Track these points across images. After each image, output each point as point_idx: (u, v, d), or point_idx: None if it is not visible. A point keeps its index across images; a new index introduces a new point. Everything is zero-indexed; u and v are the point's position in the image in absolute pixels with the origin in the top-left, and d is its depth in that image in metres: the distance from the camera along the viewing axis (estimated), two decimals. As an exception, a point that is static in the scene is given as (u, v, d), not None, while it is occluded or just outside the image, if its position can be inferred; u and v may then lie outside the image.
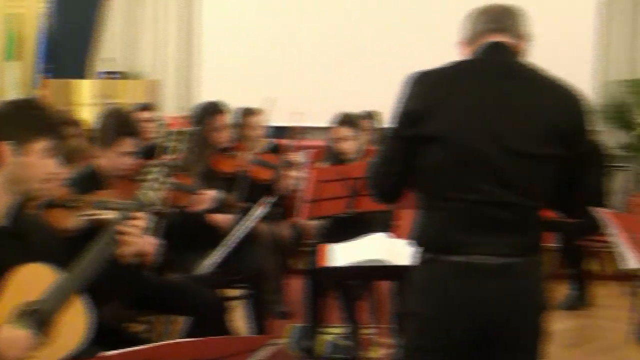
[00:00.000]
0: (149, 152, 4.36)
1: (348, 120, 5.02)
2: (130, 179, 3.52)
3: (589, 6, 8.46)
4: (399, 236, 3.69)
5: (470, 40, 2.58)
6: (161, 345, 2.02)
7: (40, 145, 2.46)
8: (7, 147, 2.43)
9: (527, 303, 2.45)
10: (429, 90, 2.44)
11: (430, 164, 2.42)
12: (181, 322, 4.01)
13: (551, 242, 5.87)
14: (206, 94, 7.77)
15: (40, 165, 2.48)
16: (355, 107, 5.93)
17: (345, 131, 4.97)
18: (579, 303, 5.95)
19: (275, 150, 5.41)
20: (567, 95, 2.47)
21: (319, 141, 6.39)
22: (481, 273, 2.38)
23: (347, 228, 4.21)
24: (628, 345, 4.69)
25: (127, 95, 8.08)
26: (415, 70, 2.50)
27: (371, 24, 8.54)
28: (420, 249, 2.49)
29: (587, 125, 2.50)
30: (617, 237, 3.54)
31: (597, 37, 8.48)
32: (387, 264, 3.44)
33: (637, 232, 3.41)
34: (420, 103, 2.42)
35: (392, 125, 2.50)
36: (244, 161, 4.98)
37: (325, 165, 5.04)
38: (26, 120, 2.49)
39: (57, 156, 2.52)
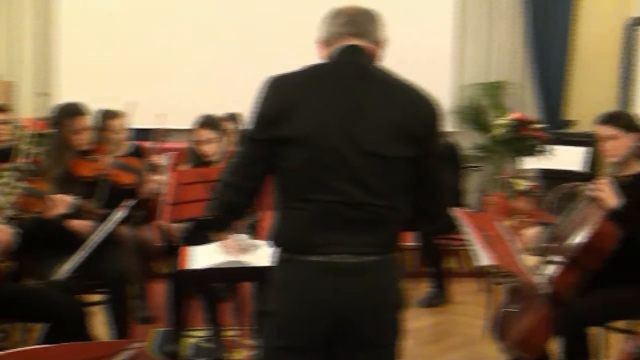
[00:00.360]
0: (3, 155, 4.22)
1: (210, 122, 5.01)
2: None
3: (446, 12, 8.73)
4: (261, 237, 3.73)
5: (328, 42, 2.61)
6: (13, 352, 1.97)
7: None
8: None
9: (383, 300, 2.52)
10: (285, 93, 2.47)
11: (287, 165, 2.45)
12: (38, 329, 3.91)
13: (410, 241, 6.04)
14: (65, 96, 7.56)
15: None
16: (218, 109, 5.93)
17: (207, 133, 4.96)
18: (438, 300, 6.11)
19: (138, 153, 5.32)
20: (419, 98, 2.54)
21: (182, 143, 6.33)
22: (338, 272, 2.43)
23: (210, 230, 4.21)
24: (484, 340, 4.84)
25: (-21, 97, 7.77)
26: (276, 73, 2.52)
27: (233, 26, 8.53)
28: (279, 249, 2.52)
29: (439, 127, 2.57)
30: (471, 236, 3.65)
31: (453, 42, 8.77)
32: (247, 265, 3.46)
33: (488, 230, 3.52)
34: (277, 106, 2.45)
35: (250, 128, 2.52)
36: (105, 165, 4.89)
37: (187, 167, 5.01)
38: None
39: None
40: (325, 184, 2.42)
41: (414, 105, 2.52)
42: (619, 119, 3.98)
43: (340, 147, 2.41)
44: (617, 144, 3.91)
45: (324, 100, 2.45)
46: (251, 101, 2.53)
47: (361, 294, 2.46)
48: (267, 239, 2.65)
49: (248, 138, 2.53)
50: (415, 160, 2.51)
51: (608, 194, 3.78)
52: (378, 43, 2.63)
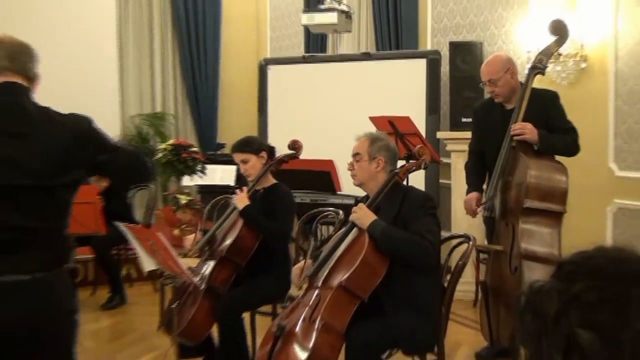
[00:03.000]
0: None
1: None
2: None
3: (110, 51, 8.88)
4: None
5: None
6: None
7: None
8: None
9: (51, 311, 2.42)
10: None
11: None
12: None
13: (89, 253, 6.18)
14: None
15: None
16: None
17: None
18: (117, 303, 6.24)
19: None
20: (70, 125, 2.46)
21: None
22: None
23: None
24: (158, 333, 4.94)
25: None
26: None
27: None
28: None
29: (99, 147, 2.51)
30: (137, 246, 3.71)
31: (119, 77, 8.97)
32: None
33: (152, 239, 3.57)
34: None
35: None
36: None
37: None
38: None
39: None
40: None
41: (76, 132, 2.45)
42: (248, 145, 4.24)
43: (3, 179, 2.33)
44: (250, 165, 4.23)
45: None
46: None
47: (25, 309, 2.36)
48: None
49: None
50: (78, 182, 2.49)
51: (241, 200, 4.18)
52: (34, 79, 2.50)
